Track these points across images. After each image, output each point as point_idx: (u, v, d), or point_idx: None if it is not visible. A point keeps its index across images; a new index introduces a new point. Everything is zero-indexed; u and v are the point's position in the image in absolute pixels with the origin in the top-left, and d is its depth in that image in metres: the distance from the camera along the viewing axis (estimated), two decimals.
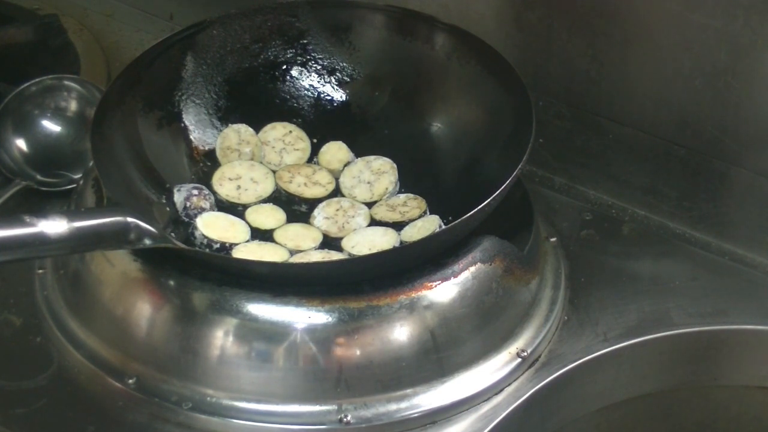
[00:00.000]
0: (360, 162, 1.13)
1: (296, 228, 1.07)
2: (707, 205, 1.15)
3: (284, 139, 1.15)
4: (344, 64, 1.17)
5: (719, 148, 1.11)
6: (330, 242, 1.06)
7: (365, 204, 1.10)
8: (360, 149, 1.14)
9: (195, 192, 1.07)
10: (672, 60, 1.10)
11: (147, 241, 0.92)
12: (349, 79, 1.17)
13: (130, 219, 0.91)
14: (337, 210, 1.09)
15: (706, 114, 1.11)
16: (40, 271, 1.04)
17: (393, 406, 0.94)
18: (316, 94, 1.17)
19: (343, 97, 1.17)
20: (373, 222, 1.08)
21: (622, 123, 1.16)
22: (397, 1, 1.17)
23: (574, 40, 1.15)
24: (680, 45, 1.09)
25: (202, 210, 1.06)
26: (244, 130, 1.14)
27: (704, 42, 1.07)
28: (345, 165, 1.13)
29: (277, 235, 1.06)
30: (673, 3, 1.07)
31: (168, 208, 1.05)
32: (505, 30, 1.18)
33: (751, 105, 1.08)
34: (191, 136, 1.12)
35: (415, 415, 0.95)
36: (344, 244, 1.05)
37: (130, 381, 0.95)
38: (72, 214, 0.90)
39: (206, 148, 1.13)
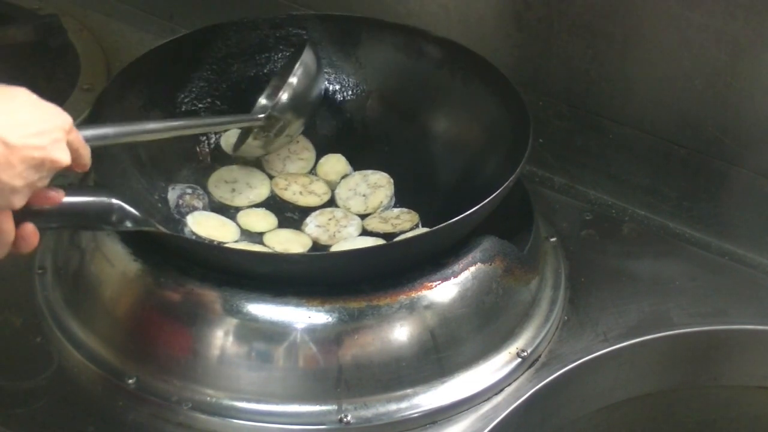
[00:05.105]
0: (357, 175, 1.13)
1: (287, 233, 1.07)
2: (707, 205, 1.15)
3: (289, 147, 1.14)
4: (350, 79, 1.17)
5: (719, 148, 1.11)
6: (319, 250, 1.06)
7: (359, 216, 1.10)
8: (359, 163, 1.14)
9: (188, 191, 1.07)
10: (672, 60, 1.10)
11: (128, 224, 0.91)
12: (353, 94, 1.17)
13: (114, 201, 0.90)
14: (330, 219, 1.08)
15: (706, 114, 1.11)
16: (40, 271, 1.04)
17: (393, 406, 0.94)
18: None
19: (346, 111, 1.17)
20: (365, 232, 1.08)
21: (622, 123, 1.16)
22: (398, 4, 1.17)
23: (574, 40, 1.15)
24: (680, 45, 1.09)
25: (194, 208, 1.06)
26: None
27: (704, 42, 1.07)
28: (342, 177, 1.13)
29: (267, 238, 1.06)
30: (673, 3, 1.07)
31: (160, 205, 1.06)
32: (505, 30, 1.18)
33: (751, 105, 1.08)
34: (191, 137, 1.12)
35: (415, 415, 0.95)
36: (332, 250, 1.05)
37: (130, 381, 0.95)
38: None
39: (206, 149, 1.13)
